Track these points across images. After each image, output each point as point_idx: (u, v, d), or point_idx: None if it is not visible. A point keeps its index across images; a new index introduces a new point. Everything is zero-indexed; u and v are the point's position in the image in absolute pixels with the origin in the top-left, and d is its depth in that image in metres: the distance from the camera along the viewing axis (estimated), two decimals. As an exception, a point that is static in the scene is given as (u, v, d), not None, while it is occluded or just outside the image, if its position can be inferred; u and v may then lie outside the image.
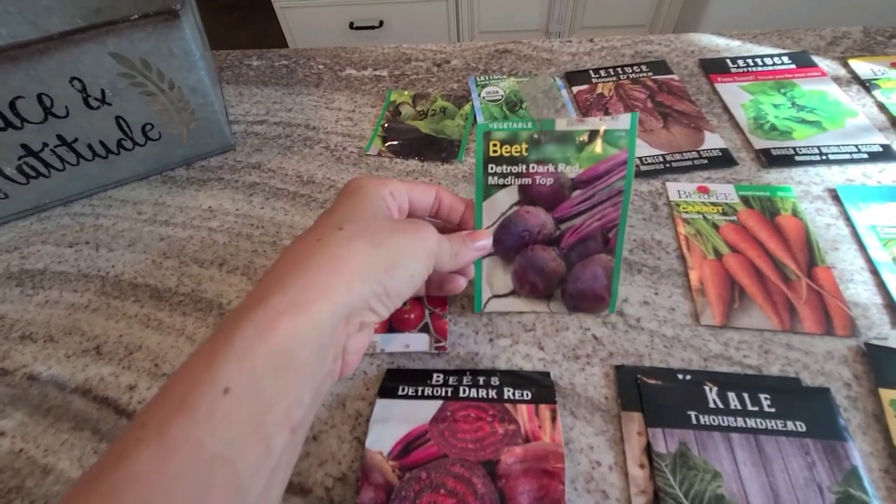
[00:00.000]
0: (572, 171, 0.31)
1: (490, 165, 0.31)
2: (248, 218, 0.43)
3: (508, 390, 0.30)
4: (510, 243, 0.32)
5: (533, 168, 0.31)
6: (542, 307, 0.33)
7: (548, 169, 0.31)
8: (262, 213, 0.43)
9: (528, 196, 0.31)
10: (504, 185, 0.31)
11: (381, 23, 1.61)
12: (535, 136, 0.30)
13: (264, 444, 0.19)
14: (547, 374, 0.31)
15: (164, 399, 0.19)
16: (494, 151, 0.31)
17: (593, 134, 0.30)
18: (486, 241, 0.31)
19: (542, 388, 0.30)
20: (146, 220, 0.44)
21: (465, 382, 0.30)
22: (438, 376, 0.31)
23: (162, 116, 0.42)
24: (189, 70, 0.39)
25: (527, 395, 0.29)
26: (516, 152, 0.31)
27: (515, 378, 0.30)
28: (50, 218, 0.45)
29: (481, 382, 0.30)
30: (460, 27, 1.60)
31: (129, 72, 0.37)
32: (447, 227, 0.33)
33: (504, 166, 0.31)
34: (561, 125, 0.30)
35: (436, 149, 0.46)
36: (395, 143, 0.47)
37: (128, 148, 0.43)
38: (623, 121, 0.29)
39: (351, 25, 1.62)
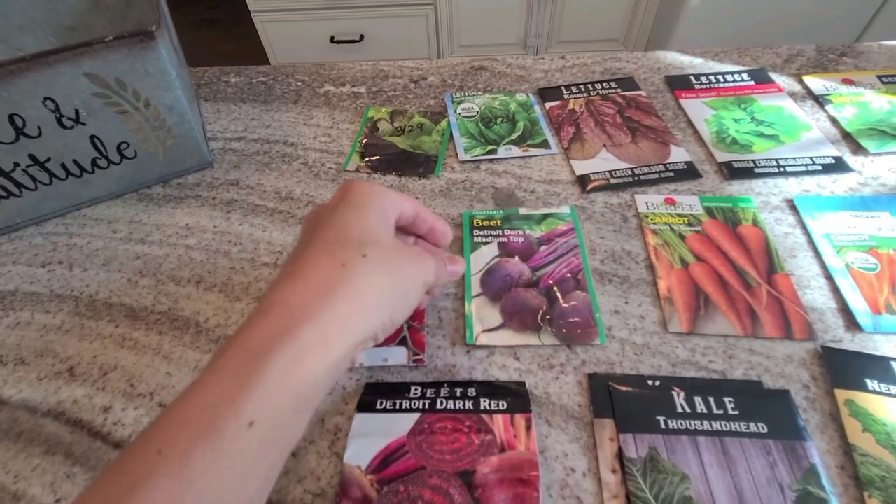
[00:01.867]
0: (537, 233, 0.40)
1: (474, 231, 0.41)
2: (226, 235, 0.43)
3: (484, 401, 0.30)
4: (496, 286, 0.37)
5: (507, 232, 0.40)
6: (533, 340, 0.34)
7: (518, 232, 0.40)
8: (240, 229, 0.43)
9: (506, 250, 0.39)
10: (486, 243, 0.40)
11: (362, 37, 1.63)
12: (506, 217, 0.41)
13: (270, 473, 0.20)
14: (522, 384, 0.32)
15: (184, 424, 0.18)
16: (476, 224, 0.41)
17: (546, 214, 0.41)
18: (460, 268, 0.32)
19: (517, 397, 0.31)
20: (121, 238, 0.43)
21: (442, 394, 0.31)
22: (416, 389, 0.31)
23: (138, 135, 0.42)
24: (165, 89, 0.40)
25: (502, 405, 0.30)
26: (494, 224, 0.41)
27: (491, 389, 0.31)
28: (21, 238, 0.44)
29: (458, 394, 0.31)
30: (440, 41, 1.63)
31: (103, 91, 0.37)
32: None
33: (485, 231, 0.41)
34: (523, 211, 0.42)
35: (413, 164, 0.47)
36: (373, 158, 0.48)
37: (102, 167, 0.43)
38: (564, 208, 0.42)
39: (332, 39, 1.63)
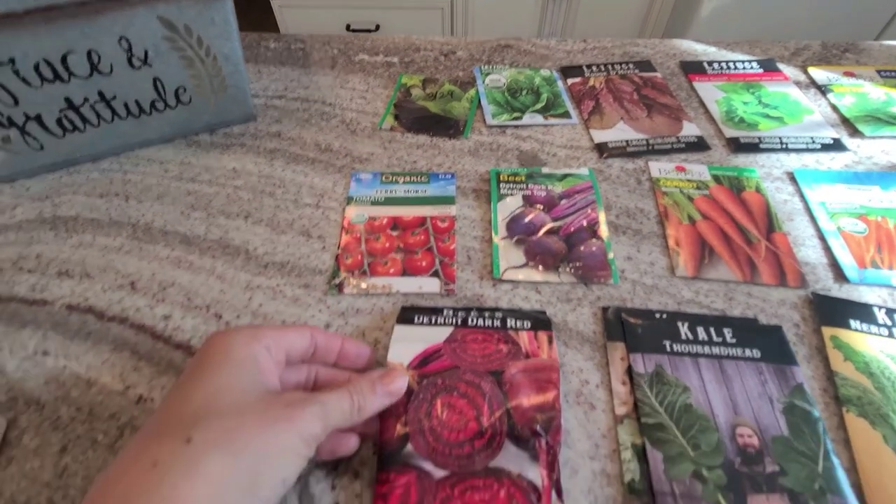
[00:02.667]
0: (558, 189, 0.44)
1: (501, 184, 0.44)
2: (270, 178, 0.47)
3: (511, 321, 0.34)
4: (520, 231, 0.41)
5: (530, 186, 0.44)
6: (553, 278, 0.38)
7: (541, 187, 0.44)
8: (283, 174, 0.47)
9: (530, 201, 0.43)
10: (512, 194, 0.44)
11: (378, 27, 1.67)
12: (530, 174, 0.45)
13: None
14: (543, 312, 0.35)
15: None
16: (503, 178, 0.45)
17: (567, 174, 0.45)
18: (400, 384, 0.28)
19: (539, 320, 0.34)
20: (173, 177, 0.47)
21: (472, 315, 0.34)
22: (449, 311, 0.35)
23: (195, 81, 0.45)
24: (226, 38, 0.43)
25: (527, 324, 0.34)
26: (518, 179, 0.45)
27: (516, 313, 0.35)
28: (79, 172, 0.47)
29: (486, 316, 0.34)
30: (455, 35, 1.67)
31: (172, 35, 0.41)
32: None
33: (510, 184, 0.44)
34: (545, 170, 0.46)
35: (444, 126, 0.51)
36: (406, 119, 0.52)
37: (159, 109, 0.46)
38: (583, 170, 0.46)
39: (347, 27, 1.67)
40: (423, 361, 0.31)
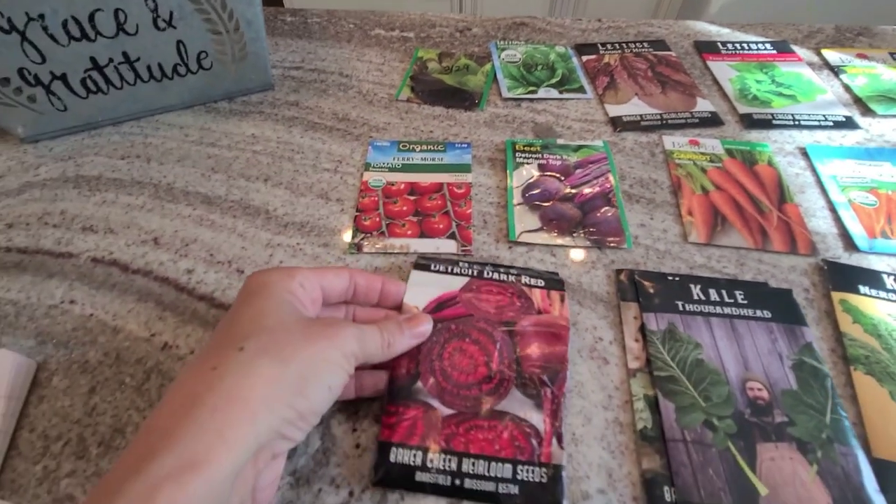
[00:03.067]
0: (573, 159, 0.45)
1: (517, 153, 0.45)
2: (288, 144, 0.47)
3: (525, 277, 0.35)
4: (535, 198, 0.41)
5: (546, 156, 0.45)
6: (568, 241, 0.38)
7: (556, 157, 0.45)
8: (301, 141, 0.48)
9: (545, 170, 0.44)
10: (528, 163, 0.44)
11: (389, 12, 1.66)
12: (545, 145, 0.46)
13: None
14: (556, 273, 0.36)
15: None
16: (518, 148, 0.46)
17: (581, 145, 0.46)
18: (425, 327, 0.30)
19: (553, 280, 0.35)
20: (193, 141, 0.48)
21: (487, 269, 0.35)
22: (464, 263, 0.36)
23: (217, 46, 0.46)
24: (248, 4, 0.44)
25: (540, 282, 0.35)
26: (534, 149, 0.46)
27: (530, 272, 0.36)
28: (101, 135, 0.48)
29: (502, 271, 0.35)
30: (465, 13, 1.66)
31: (196, -3, 0.41)
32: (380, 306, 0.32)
33: (526, 154, 0.45)
34: (560, 142, 0.46)
35: (460, 98, 0.51)
36: (422, 91, 0.52)
37: (181, 74, 0.47)
38: (597, 142, 0.46)
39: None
40: (438, 307, 0.32)
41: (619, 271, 0.36)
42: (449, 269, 0.35)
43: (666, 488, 0.26)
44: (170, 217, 0.41)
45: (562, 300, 0.34)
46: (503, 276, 0.35)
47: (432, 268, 0.35)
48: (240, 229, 0.40)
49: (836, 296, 0.34)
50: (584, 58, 0.57)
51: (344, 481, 0.27)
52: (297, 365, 0.22)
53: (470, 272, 0.35)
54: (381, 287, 0.31)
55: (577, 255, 0.38)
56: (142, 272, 0.37)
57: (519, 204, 0.41)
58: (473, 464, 0.27)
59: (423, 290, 0.33)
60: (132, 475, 0.17)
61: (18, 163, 0.45)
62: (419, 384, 0.29)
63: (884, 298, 0.34)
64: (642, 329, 0.33)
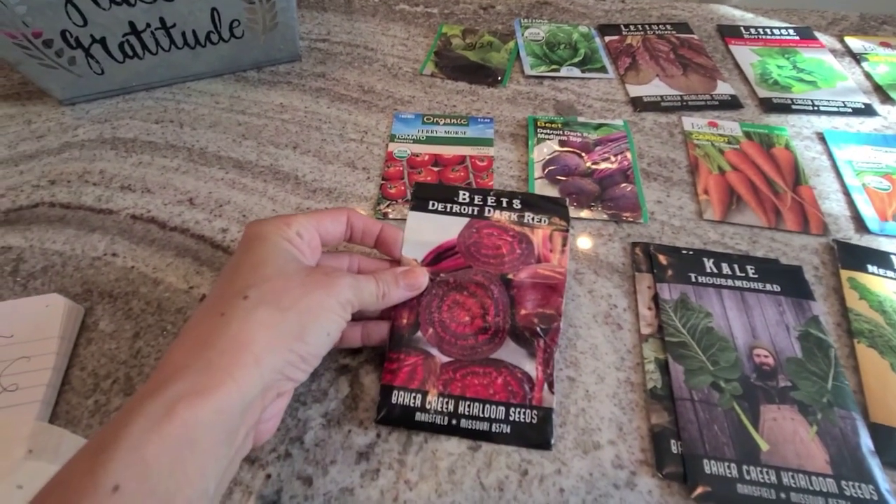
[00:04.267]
0: (593, 137, 0.46)
1: (538, 129, 0.46)
2: (316, 114, 0.49)
3: (528, 215, 0.34)
4: (556, 172, 0.43)
5: (566, 133, 0.46)
6: (585, 214, 0.40)
7: (576, 134, 0.46)
8: (328, 111, 0.49)
9: (565, 146, 0.45)
10: (549, 139, 0.45)
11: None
12: (566, 122, 0.47)
13: None
14: (564, 199, 0.35)
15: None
16: (540, 125, 0.47)
17: (601, 124, 0.47)
18: (421, 280, 0.31)
19: (557, 213, 0.34)
20: (223, 108, 0.49)
21: (489, 202, 0.35)
22: (465, 194, 0.35)
23: (249, 15, 0.47)
24: (281, -27, 0.45)
25: (543, 220, 0.34)
26: (555, 126, 0.47)
27: (535, 200, 0.35)
28: (135, 100, 0.50)
29: (504, 204, 0.35)
30: None
31: (232, -35, 0.42)
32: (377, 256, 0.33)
33: (547, 130, 0.46)
34: (581, 119, 0.48)
35: (483, 74, 0.52)
36: (446, 66, 0.53)
37: (213, 42, 0.48)
38: (617, 121, 0.47)
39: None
40: (437, 258, 0.33)
41: (634, 244, 0.38)
42: (448, 209, 0.34)
43: (673, 441, 0.28)
44: (203, 179, 0.43)
45: (563, 244, 0.33)
46: (505, 215, 0.34)
47: (430, 207, 0.35)
48: (270, 193, 0.42)
49: (845, 274, 0.35)
50: (607, 38, 0.57)
51: (372, 424, 0.29)
52: (297, 313, 0.23)
53: (470, 210, 0.34)
54: (380, 232, 0.31)
55: (595, 226, 0.39)
56: (179, 229, 0.39)
57: (539, 178, 0.42)
58: (469, 406, 0.29)
59: (421, 238, 0.33)
60: (149, 398, 0.19)
61: (57, 123, 0.47)
62: (419, 333, 0.31)
63: (891, 278, 0.35)
64: (655, 298, 0.34)
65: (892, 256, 0.36)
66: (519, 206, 0.35)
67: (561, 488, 0.27)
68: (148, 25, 0.44)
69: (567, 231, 0.34)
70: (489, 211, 0.35)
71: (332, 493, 0.27)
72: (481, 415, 0.29)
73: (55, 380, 0.31)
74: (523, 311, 0.31)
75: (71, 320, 0.33)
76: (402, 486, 0.27)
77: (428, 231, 0.33)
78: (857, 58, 0.54)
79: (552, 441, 0.28)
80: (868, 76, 0.52)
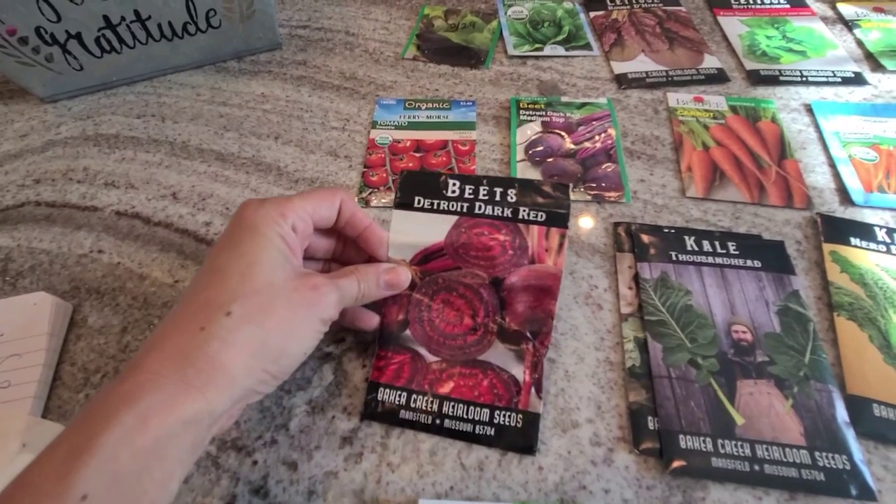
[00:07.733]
0: (576, 116, 0.45)
1: (521, 111, 0.46)
2: (297, 103, 0.48)
3: (524, 210, 0.31)
4: (538, 154, 0.42)
5: (549, 113, 0.45)
6: None
7: (559, 114, 0.45)
8: (310, 100, 0.49)
9: (548, 127, 0.44)
10: (531, 120, 0.45)
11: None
12: (549, 102, 0.47)
13: None
14: (566, 187, 0.32)
15: None
16: (522, 106, 0.46)
17: (585, 103, 0.46)
18: (403, 280, 0.30)
19: (556, 208, 0.31)
20: (205, 100, 0.49)
21: (481, 196, 0.32)
22: (455, 184, 0.32)
23: (225, 3, 0.46)
24: (254, -41, 0.44)
25: (541, 216, 0.31)
26: (538, 107, 0.46)
27: (533, 190, 0.32)
28: (116, 94, 0.50)
29: (497, 197, 0.32)
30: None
31: (203, -46, 0.42)
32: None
33: (530, 112, 0.46)
34: (564, 99, 0.47)
35: (465, 56, 0.52)
36: (428, 49, 0.52)
37: (191, 32, 0.48)
38: (601, 100, 0.47)
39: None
40: (425, 259, 0.32)
41: (616, 224, 0.38)
42: (435, 205, 0.32)
43: (650, 418, 0.29)
44: (186, 173, 0.43)
45: (560, 243, 0.31)
46: (498, 210, 0.31)
47: (415, 204, 0.32)
48: (253, 184, 0.42)
49: (827, 247, 0.35)
50: (592, 14, 0.56)
51: (355, 410, 0.30)
52: (278, 335, 0.23)
53: (459, 206, 0.32)
54: (364, 230, 0.30)
55: (577, 208, 0.39)
56: (163, 224, 0.39)
57: (521, 160, 0.42)
58: (453, 406, 0.29)
59: (406, 240, 0.31)
60: (124, 407, 0.19)
61: (40, 122, 0.47)
62: (408, 332, 0.31)
63: (873, 249, 0.35)
64: (636, 278, 0.34)
65: (875, 228, 0.36)
66: (514, 199, 0.32)
67: (540, 466, 0.28)
68: (123, 19, 0.44)
69: (566, 227, 0.31)
70: (480, 207, 0.32)
71: (317, 476, 0.28)
72: (466, 416, 0.29)
73: (46, 376, 0.31)
74: (513, 314, 0.31)
75: (59, 317, 0.33)
76: (384, 468, 0.28)
77: (414, 233, 0.31)
78: (849, 25, 0.53)
79: (536, 447, 0.28)
80: (860, 44, 0.51)
